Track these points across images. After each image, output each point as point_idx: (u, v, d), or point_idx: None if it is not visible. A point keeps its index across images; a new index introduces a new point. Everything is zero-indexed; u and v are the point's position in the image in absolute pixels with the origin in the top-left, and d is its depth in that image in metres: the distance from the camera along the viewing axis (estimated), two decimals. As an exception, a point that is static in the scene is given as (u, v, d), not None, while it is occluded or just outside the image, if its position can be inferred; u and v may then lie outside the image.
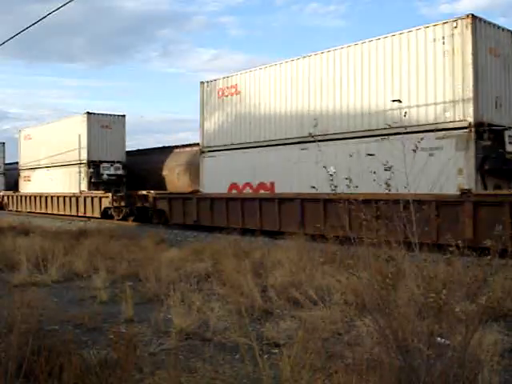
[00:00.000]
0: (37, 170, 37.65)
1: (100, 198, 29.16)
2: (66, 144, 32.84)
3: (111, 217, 28.19)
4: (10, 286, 9.10)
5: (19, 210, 37.83)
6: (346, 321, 6.43)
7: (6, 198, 41.50)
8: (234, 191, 21.26)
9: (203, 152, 23.52)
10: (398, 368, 3.94)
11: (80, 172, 31.84)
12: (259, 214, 19.16)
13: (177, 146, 30.98)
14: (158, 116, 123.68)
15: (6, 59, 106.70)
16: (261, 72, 21.07)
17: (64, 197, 32.55)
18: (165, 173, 29.71)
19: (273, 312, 7.23)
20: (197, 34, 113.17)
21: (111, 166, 31.64)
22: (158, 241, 15.47)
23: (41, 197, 35.39)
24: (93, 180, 31.16)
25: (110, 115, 32.35)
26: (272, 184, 19.92)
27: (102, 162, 31.46)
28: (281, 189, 19.36)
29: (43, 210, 34.29)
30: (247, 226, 19.08)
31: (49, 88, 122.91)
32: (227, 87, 22.53)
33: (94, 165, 31.34)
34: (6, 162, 49.58)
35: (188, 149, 29.10)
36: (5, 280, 9.66)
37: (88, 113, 31.43)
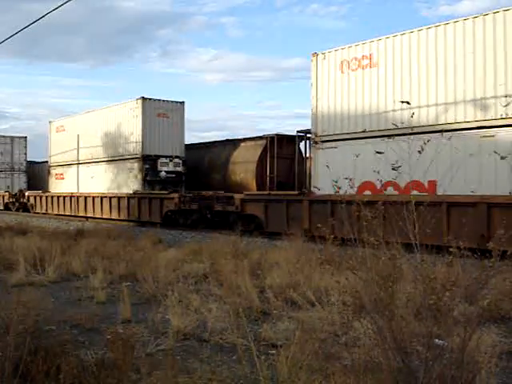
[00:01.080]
0: (73, 167, 32.55)
1: (161, 200, 24.20)
2: (113, 136, 28.59)
3: (174, 222, 23.49)
4: (7, 286, 9.09)
5: (48, 212, 33.32)
6: (344, 322, 6.42)
7: (32, 198, 36.57)
8: (366, 192, 15.66)
9: (316, 143, 18.52)
10: (395, 369, 3.93)
11: (132, 169, 26.98)
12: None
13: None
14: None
15: (5, 59, 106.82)
16: (412, 37, 15.96)
17: (110, 198, 27.67)
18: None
19: (270, 313, 7.22)
20: (196, 35, 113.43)
21: (170, 161, 26.76)
22: (156, 241, 15.47)
23: (78, 198, 30.50)
24: (148, 178, 26.26)
25: (168, 101, 27.27)
26: (432, 183, 14.70)
27: (159, 156, 26.54)
28: (448, 190, 13.85)
29: (81, 213, 29.71)
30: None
31: (48, 88, 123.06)
32: (355, 58, 17.52)
33: (149, 160, 26.39)
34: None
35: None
36: (2, 280, 9.65)
37: (143, 98, 26.49)
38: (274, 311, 7.26)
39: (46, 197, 34.40)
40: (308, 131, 22.46)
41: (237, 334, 5.61)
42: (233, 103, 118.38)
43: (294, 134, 22.70)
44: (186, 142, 28.56)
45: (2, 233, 16.60)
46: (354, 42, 17.22)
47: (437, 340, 3.99)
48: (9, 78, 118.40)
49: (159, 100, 27.09)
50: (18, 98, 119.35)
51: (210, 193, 23.05)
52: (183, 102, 27.55)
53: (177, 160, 27.07)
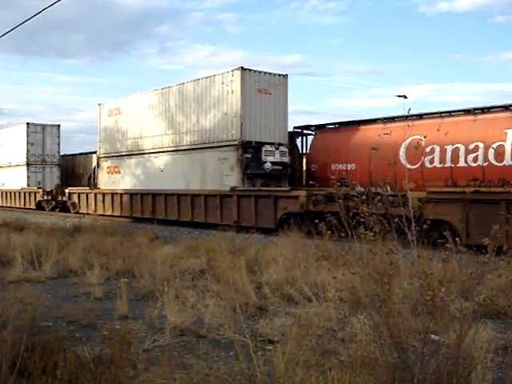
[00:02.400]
0: (133, 158, 26.44)
1: (276, 199, 18.55)
2: (195, 118, 22.50)
3: (289, 228, 16.09)
4: (4, 282, 9.08)
5: (98, 212, 27.11)
6: (341, 317, 6.44)
7: (75, 196, 30.13)
8: None
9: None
10: (392, 365, 3.94)
11: (225, 159, 20.91)
12: None
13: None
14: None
15: (2, 55, 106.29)
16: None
17: (192, 196, 21.84)
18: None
19: (267, 309, 7.23)
20: (195, 31, 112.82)
21: (276, 149, 20.98)
22: (153, 237, 15.46)
23: (142, 195, 24.61)
24: (249, 171, 20.39)
25: (270, 74, 21.38)
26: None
27: (262, 143, 20.74)
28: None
29: (146, 215, 24.17)
30: None
31: (45, 84, 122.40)
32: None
33: (251, 148, 20.54)
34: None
35: (379, 125, 19.13)
36: (-1, 276, 9.63)
37: (242, 68, 20.43)
38: (271, 307, 7.27)
39: (96, 194, 28.08)
40: (305, 127, 22.51)
41: (234, 329, 5.63)
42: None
43: (291, 130, 22.59)
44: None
45: (-1, 229, 16.57)
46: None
47: (433, 335, 4.01)
48: (6, 75, 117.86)
49: (260, 72, 21.11)
50: (15, 94, 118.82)
51: (360, 190, 15.98)
52: (287, 76, 21.72)
53: (283, 148, 21.33)
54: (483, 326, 5.35)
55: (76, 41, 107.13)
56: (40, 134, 36.38)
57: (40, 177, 36.24)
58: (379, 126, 19.10)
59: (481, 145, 16.15)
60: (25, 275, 9.59)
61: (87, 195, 28.97)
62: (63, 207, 31.13)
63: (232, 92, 20.67)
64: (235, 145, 20.52)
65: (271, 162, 20.72)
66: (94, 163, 31.48)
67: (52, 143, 36.72)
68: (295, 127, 22.65)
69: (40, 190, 33.74)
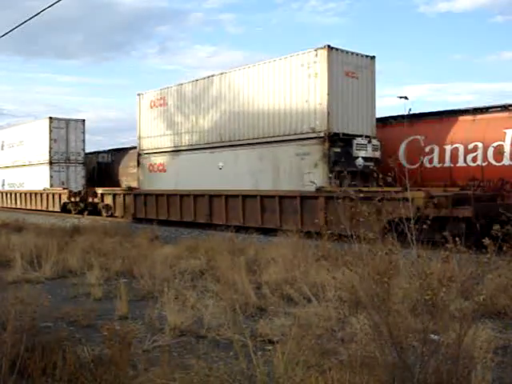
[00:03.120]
0: (182, 155, 23.20)
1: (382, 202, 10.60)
2: (266, 106, 19.35)
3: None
4: (3, 283, 9.07)
5: (138, 216, 24.29)
6: (340, 317, 6.44)
7: (109, 198, 26.90)
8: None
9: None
10: (392, 365, 3.94)
11: (306, 154, 17.67)
12: None
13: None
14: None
15: (2, 56, 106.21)
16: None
17: (261, 197, 18.39)
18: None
19: (267, 309, 7.23)
20: (195, 31, 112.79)
21: (368, 143, 17.90)
22: (153, 238, 15.45)
23: (196, 196, 21.35)
24: (337, 168, 17.21)
25: (357, 55, 18.27)
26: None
27: (353, 136, 17.70)
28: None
29: (201, 219, 21.01)
30: None
31: (45, 85, 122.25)
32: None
33: (339, 141, 17.45)
34: None
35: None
36: (-2, 277, 9.63)
37: (328, 47, 17.40)
38: (271, 307, 7.27)
39: (135, 196, 24.85)
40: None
41: (233, 330, 5.62)
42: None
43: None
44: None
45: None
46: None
47: (433, 335, 4.01)
48: (5, 76, 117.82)
49: (347, 52, 18.06)
50: (15, 95, 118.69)
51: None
52: (374, 58, 18.68)
53: (375, 142, 18.20)
54: (483, 325, 5.37)
55: (76, 41, 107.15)
56: (63, 130, 32.71)
57: (64, 176, 32.73)
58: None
59: (480, 145, 16.16)
60: (24, 276, 9.59)
61: (124, 196, 25.48)
62: (94, 210, 27.38)
63: (315, 75, 17.51)
64: (320, 137, 17.36)
65: (364, 158, 17.67)
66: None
67: (76, 140, 33.21)
68: None
69: (66, 190, 30.24)
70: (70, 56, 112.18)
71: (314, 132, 17.59)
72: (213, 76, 21.76)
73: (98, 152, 37.22)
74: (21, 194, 35.00)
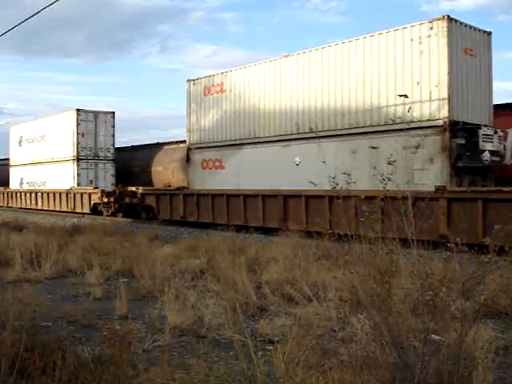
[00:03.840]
0: (247, 149, 19.64)
1: None
2: (362, 88, 16.36)
3: None
4: (3, 282, 9.07)
5: (188, 219, 21.33)
6: (341, 317, 6.43)
7: (151, 198, 23.82)
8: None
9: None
10: (392, 365, 3.93)
11: (419, 147, 13.72)
12: None
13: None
14: (155, 111, 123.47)
15: (3, 55, 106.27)
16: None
17: (355, 199, 13.40)
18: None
19: (267, 309, 7.22)
20: (196, 30, 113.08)
21: (494, 133, 14.99)
22: (152, 237, 15.45)
23: (265, 197, 18.11)
24: (460, 164, 14.32)
25: (474, 29, 15.54)
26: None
27: (477, 126, 14.78)
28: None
29: (272, 224, 17.72)
30: None
31: (45, 83, 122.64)
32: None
33: (462, 131, 14.51)
34: None
35: None
36: (-2, 276, 9.62)
37: (449, 18, 14.55)
38: (271, 307, 7.26)
39: (185, 196, 21.70)
40: None
41: (234, 329, 5.61)
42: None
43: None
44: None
45: (-2, 229, 16.57)
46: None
47: (433, 335, 4.00)
48: (6, 74, 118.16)
49: (465, 25, 15.31)
50: (15, 93, 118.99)
51: None
52: (491, 34, 16.07)
53: (500, 133, 15.35)
54: (484, 325, 5.36)
55: (77, 40, 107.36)
56: (92, 123, 29.41)
57: (92, 174, 29.48)
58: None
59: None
60: (24, 275, 9.58)
61: (171, 197, 22.51)
62: (131, 211, 25.05)
63: (429, 52, 14.77)
64: (437, 126, 14.41)
65: (490, 152, 14.74)
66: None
67: (106, 134, 29.92)
68: None
69: (98, 190, 27.02)
70: (71, 55, 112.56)
71: (428, 120, 14.58)
72: (288, 56, 18.70)
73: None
74: (42, 193, 32.10)
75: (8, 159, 40.31)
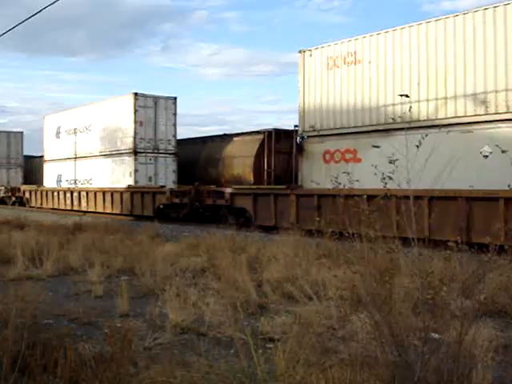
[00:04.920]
0: (395, 135, 14.51)
1: None
2: None
3: None
4: (5, 280, 9.09)
5: (310, 228, 12.60)
6: (341, 316, 6.44)
7: (245, 200, 19.66)
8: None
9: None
10: (392, 363, 3.94)
11: None
12: None
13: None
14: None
15: (5, 53, 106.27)
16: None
17: None
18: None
19: (268, 307, 7.23)
20: (198, 29, 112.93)
21: None
22: (154, 235, 15.46)
23: (431, 199, 13.53)
24: None
25: None
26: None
27: None
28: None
29: (447, 236, 8.66)
30: None
31: (47, 82, 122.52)
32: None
33: None
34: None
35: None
36: (0, 274, 9.63)
37: None
38: (272, 305, 7.27)
39: (299, 196, 17.70)
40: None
41: (234, 327, 5.62)
42: (233, 97, 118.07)
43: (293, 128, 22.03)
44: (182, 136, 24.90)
45: (0, 227, 16.58)
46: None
47: (433, 334, 4.01)
48: (8, 73, 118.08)
49: None
50: (17, 92, 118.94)
51: None
52: None
53: None
54: (484, 324, 5.35)
55: (79, 38, 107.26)
56: (151, 110, 24.96)
57: (151, 171, 25.01)
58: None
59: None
60: (26, 273, 9.60)
61: (275, 198, 18.41)
62: (214, 215, 20.76)
63: None
64: None
65: None
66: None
67: (167, 123, 25.49)
68: (296, 125, 21.71)
69: (165, 189, 23.05)
70: (74, 53, 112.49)
71: None
72: (468, 13, 14.25)
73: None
74: (88, 193, 27.79)
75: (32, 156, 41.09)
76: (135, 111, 24.72)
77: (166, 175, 25.40)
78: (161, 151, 25.44)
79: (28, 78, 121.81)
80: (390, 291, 4.12)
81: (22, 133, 42.71)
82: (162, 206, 22.79)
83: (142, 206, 23.82)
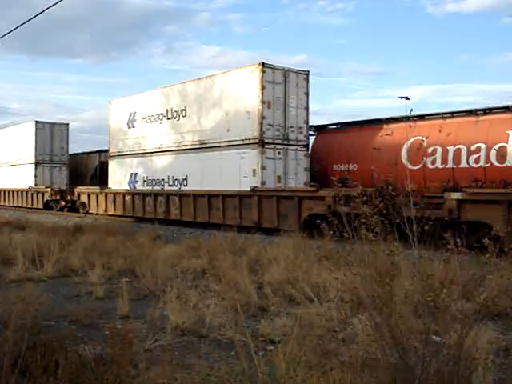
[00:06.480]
0: None
1: None
2: None
3: None
4: (5, 281, 9.09)
5: None
6: (342, 318, 6.44)
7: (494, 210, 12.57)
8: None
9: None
10: (393, 366, 3.94)
11: None
12: None
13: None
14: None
15: (8, 55, 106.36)
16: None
17: None
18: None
19: (268, 309, 7.23)
20: (201, 31, 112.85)
21: None
22: (155, 237, 15.47)
23: None
24: None
25: None
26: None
27: None
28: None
29: None
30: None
31: (50, 83, 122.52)
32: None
33: None
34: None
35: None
36: (1, 276, 9.64)
37: None
38: (272, 307, 7.27)
39: None
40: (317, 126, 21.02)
41: (235, 329, 5.62)
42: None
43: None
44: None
45: (1, 228, 16.59)
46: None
47: (434, 336, 4.01)
48: (10, 74, 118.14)
49: None
50: (20, 93, 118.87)
51: None
52: None
53: None
54: (484, 327, 5.36)
55: (82, 40, 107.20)
56: (280, 87, 18.78)
57: (280, 168, 18.84)
58: (381, 126, 18.73)
59: (483, 146, 16.12)
60: (26, 274, 9.60)
61: None
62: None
63: None
64: None
65: None
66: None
67: (298, 105, 19.29)
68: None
69: (320, 192, 16.13)
70: (77, 55, 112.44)
71: None
72: None
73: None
74: (181, 196, 21.25)
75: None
76: (262, 88, 18.37)
77: (297, 174, 19.17)
78: (291, 142, 19.10)
79: (30, 80, 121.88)
80: (390, 293, 4.12)
81: (67, 125, 35.73)
82: (308, 217, 16.21)
83: (277, 215, 17.26)
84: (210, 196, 19.70)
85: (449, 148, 16.87)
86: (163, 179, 22.86)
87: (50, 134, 34.28)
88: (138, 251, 11.81)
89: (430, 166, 17.18)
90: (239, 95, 19.29)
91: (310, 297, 7.31)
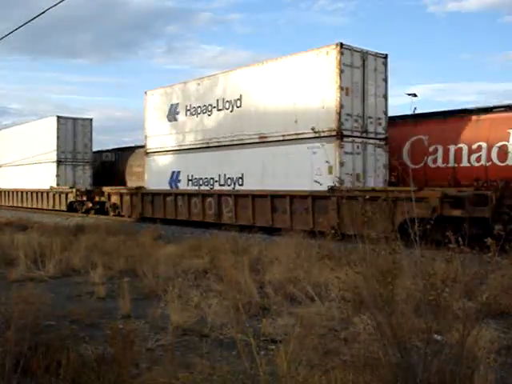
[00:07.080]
0: None
1: None
2: None
3: None
4: (7, 281, 9.10)
5: None
6: (344, 317, 6.43)
7: None
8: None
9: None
10: (395, 365, 3.94)
11: None
12: None
13: None
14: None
15: (10, 55, 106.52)
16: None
17: None
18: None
19: (270, 308, 7.22)
20: (202, 31, 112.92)
21: None
22: (156, 237, 15.46)
23: None
24: None
25: None
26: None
27: None
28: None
29: None
30: None
31: (51, 84, 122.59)
32: None
33: None
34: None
35: None
36: (2, 275, 9.65)
37: None
38: (274, 306, 7.26)
39: None
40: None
41: (236, 329, 5.62)
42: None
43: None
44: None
45: (3, 228, 16.60)
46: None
47: (436, 335, 4.01)
48: (12, 74, 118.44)
49: None
50: (21, 93, 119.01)
51: None
52: None
53: None
54: (486, 325, 5.35)
55: (84, 40, 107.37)
56: (359, 72, 16.54)
57: (359, 165, 16.57)
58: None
59: (484, 145, 16.08)
60: (28, 274, 9.61)
61: None
62: None
63: None
64: None
65: None
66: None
67: (377, 93, 17.03)
68: None
69: (423, 191, 13.78)
70: (78, 55, 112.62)
71: None
72: None
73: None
74: (237, 197, 19.10)
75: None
76: (340, 72, 15.93)
77: (376, 172, 16.82)
78: (370, 135, 16.73)
79: (31, 80, 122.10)
80: (392, 292, 4.12)
81: (91, 120, 33.29)
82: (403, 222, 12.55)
83: (363, 220, 10.69)
84: (274, 197, 17.50)
85: (450, 147, 16.81)
86: (212, 178, 20.42)
87: (72, 130, 32.04)
88: (140, 251, 11.80)
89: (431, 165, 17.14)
90: (310, 81, 16.90)
91: (311, 296, 7.30)
